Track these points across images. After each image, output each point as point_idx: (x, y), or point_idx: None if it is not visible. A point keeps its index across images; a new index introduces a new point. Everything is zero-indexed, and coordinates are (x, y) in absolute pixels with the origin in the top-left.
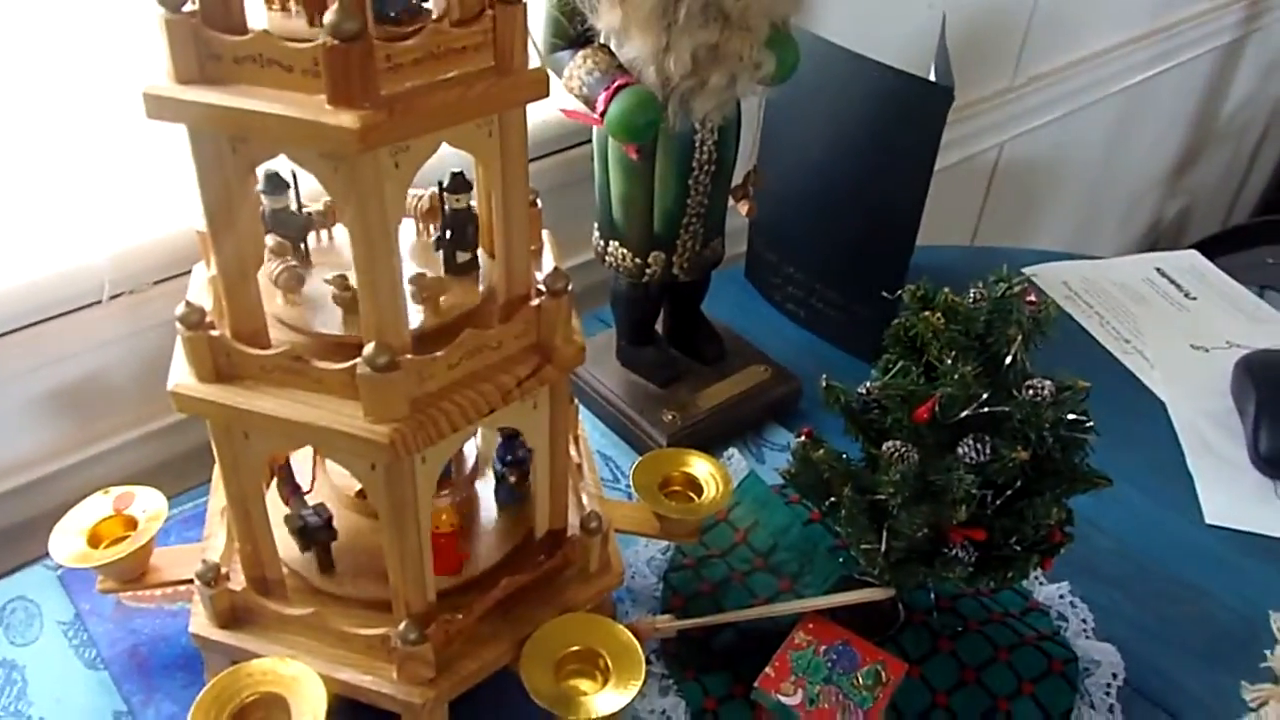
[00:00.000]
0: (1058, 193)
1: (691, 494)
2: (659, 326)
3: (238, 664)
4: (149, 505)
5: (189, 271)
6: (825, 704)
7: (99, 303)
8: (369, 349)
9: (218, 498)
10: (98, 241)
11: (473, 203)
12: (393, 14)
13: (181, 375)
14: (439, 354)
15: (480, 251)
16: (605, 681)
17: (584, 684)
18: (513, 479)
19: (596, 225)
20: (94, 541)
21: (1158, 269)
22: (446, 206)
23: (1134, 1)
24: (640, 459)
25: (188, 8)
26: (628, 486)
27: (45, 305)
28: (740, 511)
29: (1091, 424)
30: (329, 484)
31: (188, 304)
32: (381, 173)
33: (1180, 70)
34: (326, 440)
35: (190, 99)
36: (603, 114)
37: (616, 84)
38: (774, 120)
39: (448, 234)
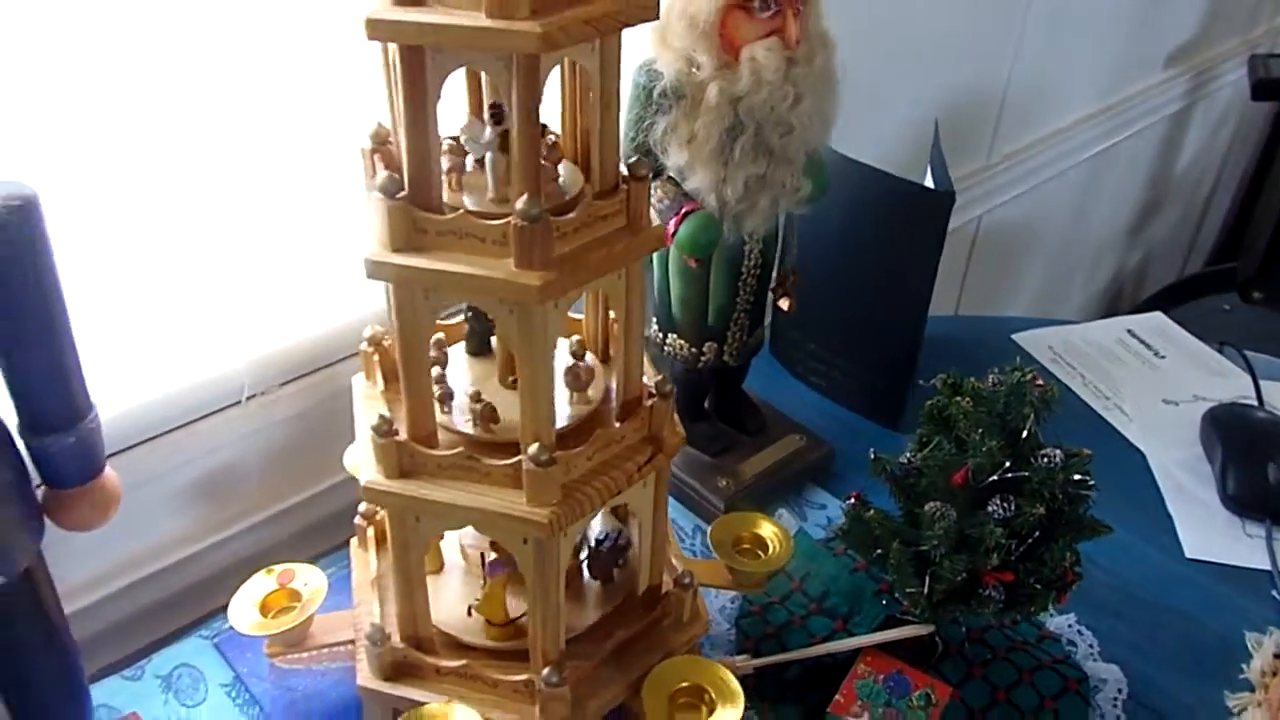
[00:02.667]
0: (1031, 254)
1: (759, 551)
2: (706, 403)
3: (402, 711)
4: (310, 580)
5: (310, 373)
6: None
7: (239, 403)
8: (533, 448)
9: (361, 571)
10: (238, 350)
11: None
12: None
13: (370, 473)
14: (580, 449)
15: (590, 356)
16: (710, 711)
17: (693, 716)
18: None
19: (655, 319)
20: (263, 612)
21: (1129, 330)
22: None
23: (1092, 82)
24: (715, 521)
25: (401, 195)
26: (692, 545)
27: (197, 407)
28: (794, 564)
29: (1093, 483)
30: (461, 554)
31: (381, 418)
32: (548, 314)
33: (1137, 137)
34: (491, 521)
35: (404, 264)
36: (673, 234)
37: (685, 210)
38: (800, 222)
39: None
